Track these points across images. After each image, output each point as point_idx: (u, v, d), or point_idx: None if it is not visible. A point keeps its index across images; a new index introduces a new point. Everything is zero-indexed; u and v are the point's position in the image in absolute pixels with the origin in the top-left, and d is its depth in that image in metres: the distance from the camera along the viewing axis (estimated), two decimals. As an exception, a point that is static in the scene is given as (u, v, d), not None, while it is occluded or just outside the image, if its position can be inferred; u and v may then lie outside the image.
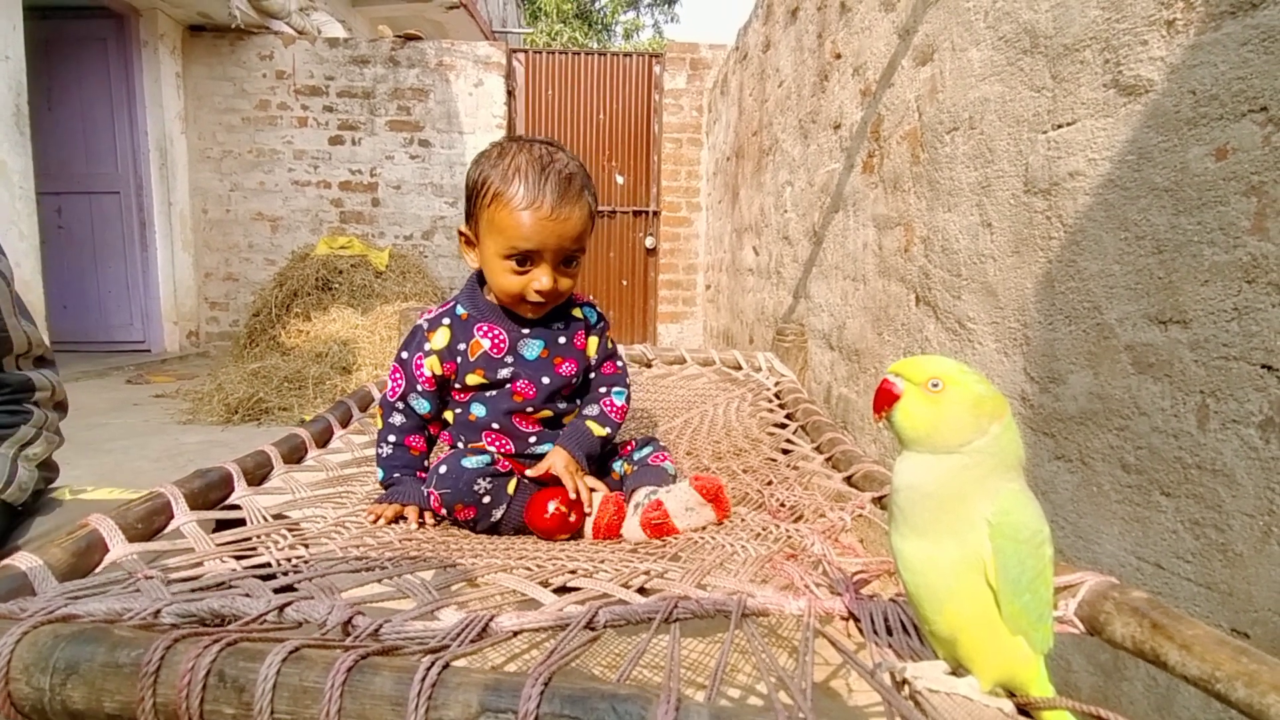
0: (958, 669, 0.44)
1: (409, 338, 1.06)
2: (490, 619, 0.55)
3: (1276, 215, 0.78)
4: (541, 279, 0.96)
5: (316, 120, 5.44)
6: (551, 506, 0.93)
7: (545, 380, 1.03)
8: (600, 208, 6.01)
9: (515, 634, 0.56)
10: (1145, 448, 0.97)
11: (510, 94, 5.62)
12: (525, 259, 0.96)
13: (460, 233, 1.04)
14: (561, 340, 1.06)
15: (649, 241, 5.88)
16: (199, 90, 5.35)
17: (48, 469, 0.97)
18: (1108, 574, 0.71)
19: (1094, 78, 1.06)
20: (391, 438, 1.03)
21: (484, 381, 1.01)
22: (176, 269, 5.32)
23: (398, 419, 1.04)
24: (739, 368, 2.05)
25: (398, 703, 0.36)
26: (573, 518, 0.94)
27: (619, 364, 1.13)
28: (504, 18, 12.29)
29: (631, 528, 0.94)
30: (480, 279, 1.06)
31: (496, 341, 1.02)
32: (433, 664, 0.37)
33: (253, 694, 0.37)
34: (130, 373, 4.46)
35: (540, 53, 5.79)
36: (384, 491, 1.01)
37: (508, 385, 1.02)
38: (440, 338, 1.02)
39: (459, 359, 1.02)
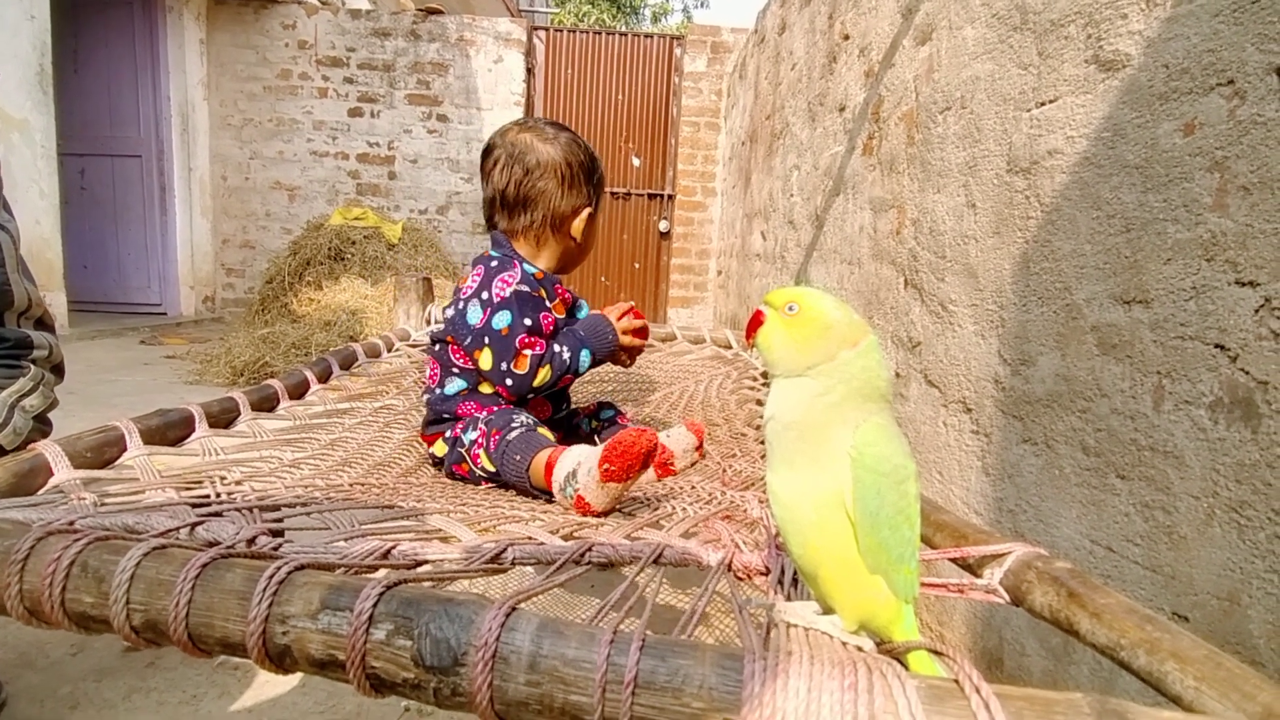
0: (829, 610, 0.44)
1: (522, 303, 1.03)
2: (391, 548, 0.56)
3: (1236, 191, 0.76)
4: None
5: (336, 91, 5.46)
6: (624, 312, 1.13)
7: None
8: (615, 189, 5.94)
9: (417, 564, 0.56)
10: (1104, 430, 0.95)
11: (529, 71, 5.61)
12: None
13: (590, 213, 1.13)
14: None
15: (663, 225, 5.86)
16: (222, 58, 5.39)
17: (43, 423, 0.99)
18: (1064, 557, 0.70)
19: (1076, 53, 1.04)
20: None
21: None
22: (195, 234, 5.39)
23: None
24: (729, 347, 2.05)
25: (244, 597, 0.37)
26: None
27: None
28: (532, -3, 12.24)
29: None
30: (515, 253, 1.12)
31: (565, 301, 1.13)
32: (284, 564, 0.38)
33: (110, 584, 0.38)
34: (145, 334, 4.54)
35: (561, 31, 5.76)
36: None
37: None
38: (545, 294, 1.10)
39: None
